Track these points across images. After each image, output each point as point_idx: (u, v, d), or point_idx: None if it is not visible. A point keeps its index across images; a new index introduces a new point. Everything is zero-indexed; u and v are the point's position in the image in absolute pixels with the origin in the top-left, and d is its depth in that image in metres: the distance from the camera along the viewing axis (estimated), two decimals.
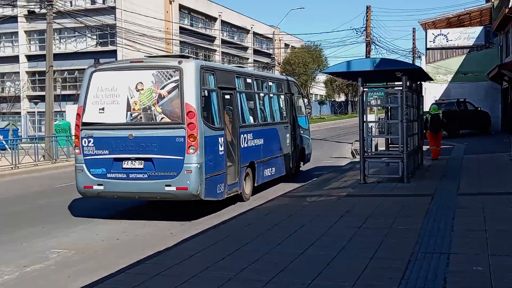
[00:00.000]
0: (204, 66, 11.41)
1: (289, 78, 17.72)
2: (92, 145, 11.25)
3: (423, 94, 19.76)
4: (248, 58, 77.61)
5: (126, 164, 11.04)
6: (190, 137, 10.66)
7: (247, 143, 13.11)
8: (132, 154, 10.96)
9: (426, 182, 13.65)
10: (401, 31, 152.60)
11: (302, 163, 17.71)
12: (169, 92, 10.93)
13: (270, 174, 14.57)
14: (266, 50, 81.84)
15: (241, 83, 13.43)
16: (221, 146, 11.56)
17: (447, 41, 39.83)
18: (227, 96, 12.51)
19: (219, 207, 12.18)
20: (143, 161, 10.91)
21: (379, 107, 18.90)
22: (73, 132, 23.57)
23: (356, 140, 29.50)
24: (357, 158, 19.46)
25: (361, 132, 13.89)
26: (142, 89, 11.11)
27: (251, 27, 78.17)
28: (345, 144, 31.09)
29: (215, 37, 69.18)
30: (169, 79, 10.97)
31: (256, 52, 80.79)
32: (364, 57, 35.97)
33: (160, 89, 10.98)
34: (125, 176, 11.01)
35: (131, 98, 11.13)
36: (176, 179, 10.64)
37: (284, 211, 10.47)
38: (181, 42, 58.88)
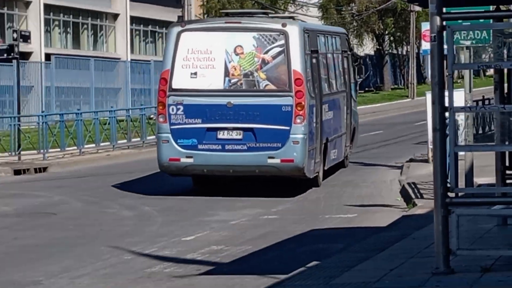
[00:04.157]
0: (305, 29, 16.34)
1: (341, 29, 22.55)
2: (182, 113, 15.63)
3: None
4: None
5: (222, 135, 15.78)
6: (298, 106, 15.60)
7: (325, 116, 17.46)
8: (229, 124, 15.75)
9: None
10: None
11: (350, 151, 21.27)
12: (273, 57, 15.86)
13: (334, 157, 18.65)
14: None
15: (320, 44, 17.98)
16: (316, 117, 16.45)
17: None
18: (314, 60, 17.03)
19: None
20: (242, 131, 15.77)
21: (480, 69, 14.67)
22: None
23: (414, 158, 22.27)
24: (422, 207, 14.79)
25: (437, 136, 8.97)
26: (242, 53, 15.82)
27: None
28: (382, 169, 22.17)
29: None
30: (273, 43, 15.87)
31: None
32: None
33: (264, 54, 15.85)
34: (220, 147, 15.74)
35: (229, 62, 15.81)
36: (281, 151, 15.55)
37: None
38: None
